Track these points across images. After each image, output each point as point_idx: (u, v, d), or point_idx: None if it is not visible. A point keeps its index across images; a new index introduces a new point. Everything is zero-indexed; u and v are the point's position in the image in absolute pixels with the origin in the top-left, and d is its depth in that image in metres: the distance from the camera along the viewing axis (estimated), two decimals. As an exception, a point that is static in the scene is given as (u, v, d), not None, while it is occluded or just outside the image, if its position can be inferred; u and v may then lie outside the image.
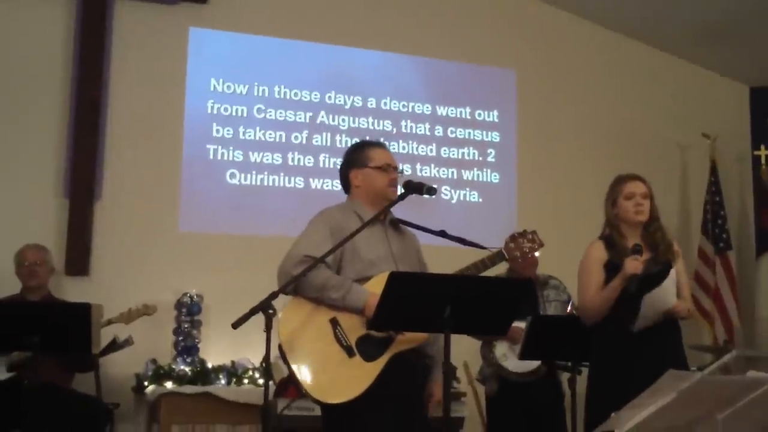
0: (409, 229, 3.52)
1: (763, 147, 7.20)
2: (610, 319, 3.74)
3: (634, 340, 3.67)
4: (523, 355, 4.36)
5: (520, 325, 4.32)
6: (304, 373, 3.14)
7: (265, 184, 6.11)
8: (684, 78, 7.34)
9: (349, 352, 3.16)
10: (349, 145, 3.66)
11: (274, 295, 3.07)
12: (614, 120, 7.03)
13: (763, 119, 7.47)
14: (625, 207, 3.88)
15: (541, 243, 3.54)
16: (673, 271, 3.72)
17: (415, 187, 3.34)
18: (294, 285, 3.18)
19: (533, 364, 4.85)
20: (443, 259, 3.53)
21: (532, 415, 4.93)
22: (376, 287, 3.10)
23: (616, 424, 2.32)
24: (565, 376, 4.75)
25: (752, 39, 6.84)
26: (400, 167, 3.50)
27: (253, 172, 6.10)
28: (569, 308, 5.02)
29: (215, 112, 6.07)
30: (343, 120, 6.35)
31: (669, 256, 3.86)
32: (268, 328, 3.04)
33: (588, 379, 3.84)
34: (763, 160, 7.14)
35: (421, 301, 3.03)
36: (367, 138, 3.65)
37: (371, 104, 6.45)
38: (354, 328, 3.19)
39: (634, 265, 3.69)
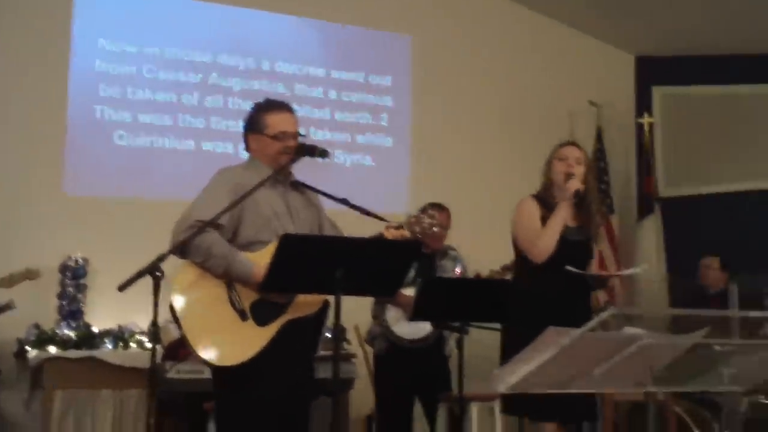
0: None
1: (646, 115, 7.45)
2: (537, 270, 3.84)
3: (552, 298, 3.78)
4: (414, 317, 4.42)
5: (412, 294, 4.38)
6: (195, 336, 3.12)
7: (155, 146, 5.99)
8: (572, 46, 7.50)
9: (242, 316, 3.15)
10: (241, 107, 3.62)
11: (161, 258, 3.03)
12: (505, 86, 7.15)
13: (648, 88, 7.71)
14: (557, 169, 3.96)
15: (440, 219, 3.58)
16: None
17: (308, 150, 3.34)
18: (182, 250, 3.15)
19: (423, 331, 4.95)
20: (342, 226, 3.55)
21: (417, 376, 5.03)
22: (266, 257, 3.09)
23: (499, 380, 2.39)
24: (453, 339, 4.86)
25: (638, 8, 7.03)
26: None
27: (142, 134, 5.96)
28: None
29: (103, 71, 5.90)
30: (236, 82, 6.26)
31: (594, 232, 3.99)
32: (156, 291, 3.00)
33: (502, 335, 3.94)
34: (646, 128, 7.38)
35: (312, 263, 3.04)
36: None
37: (265, 67, 6.38)
38: (249, 291, 3.18)
39: (574, 183, 3.82)
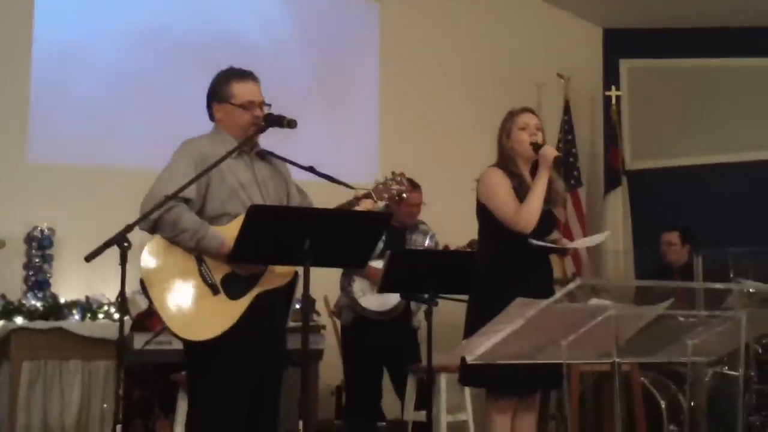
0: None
1: (613, 88, 7.48)
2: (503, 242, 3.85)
3: (515, 270, 3.81)
4: (383, 288, 4.44)
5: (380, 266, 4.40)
6: (166, 309, 3.10)
7: (120, 114, 5.91)
8: (540, 18, 7.50)
9: (214, 290, 3.14)
10: (206, 76, 3.57)
11: (128, 229, 3.01)
12: (474, 58, 7.14)
13: (615, 60, 7.74)
14: (519, 138, 3.90)
15: (408, 186, 3.58)
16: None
17: (275, 120, 3.31)
18: (151, 225, 3.13)
19: (389, 304, 4.97)
20: (310, 195, 3.54)
21: (385, 348, 5.07)
22: (235, 229, 3.07)
23: (466, 350, 2.41)
24: (422, 311, 4.88)
25: (606, -19, 7.05)
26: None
27: (108, 103, 5.88)
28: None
29: (66, 39, 5.80)
30: (201, 50, 6.13)
31: (556, 198, 3.98)
32: (123, 261, 2.98)
33: (469, 304, 3.95)
34: (613, 101, 7.41)
35: (280, 234, 3.03)
36: (233, 66, 3.51)
37: (229, 34, 6.28)
38: (219, 265, 3.16)
39: (551, 150, 3.82)
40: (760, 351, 5.21)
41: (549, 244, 3.85)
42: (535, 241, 3.80)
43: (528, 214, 3.81)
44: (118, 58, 5.97)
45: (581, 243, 4.24)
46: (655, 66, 7.67)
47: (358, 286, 5.03)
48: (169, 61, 6.10)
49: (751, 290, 2.93)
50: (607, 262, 7.22)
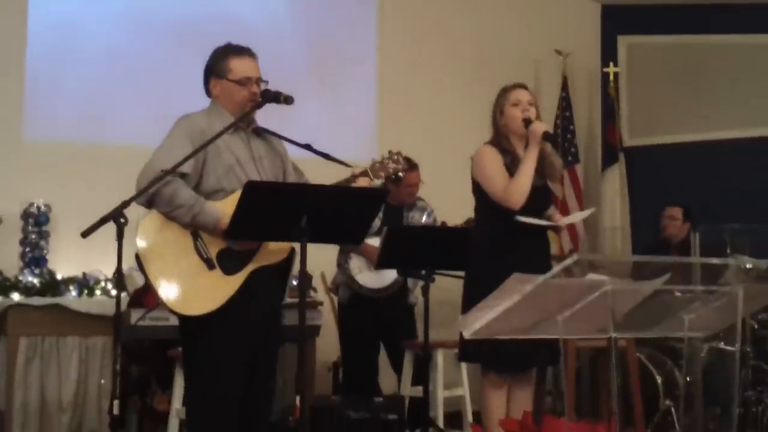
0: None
1: (611, 64, 7.46)
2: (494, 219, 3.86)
3: (511, 246, 3.80)
4: (380, 265, 4.44)
5: (377, 244, 4.40)
6: (161, 284, 3.11)
7: (118, 91, 5.88)
8: (539, -6, 7.47)
9: (209, 265, 3.14)
10: (203, 52, 3.55)
11: (125, 204, 3.01)
12: (472, 34, 7.10)
13: (613, 37, 7.71)
14: (512, 114, 3.91)
15: (405, 165, 3.58)
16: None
17: (273, 97, 3.30)
18: (148, 199, 3.12)
19: (386, 281, 4.99)
20: (307, 173, 3.53)
21: (382, 324, 5.08)
22: (231, 205, 3.07)
23: (463, 325, 2.41)
24: (419, 287, 4.89)
25: (605, -43, 7.01)
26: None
27: (105, 79, 5.85)
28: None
29: (63, 16, 5.76)
30: (198, 27, 6.09)
31: (551, 172, 3.98)
32: (120, 237, 2.98)
33: (465, 281, 3.97)
34: (611, 77, 7.39)
35: (277, 211, 3.03)
36: (231, 42, 3.50)
37: (228, 11, 6.25)
38: (215, 240, 3.16)
39: (541, 125, 3.80)
40: (756, 326, 5.24)
41: (535, 221, 3.84)
42: (521, 218, 3.80)
43: (516, 190, 3.81)
44: (115, 37, 5.93)
45: (567, 219, 4.24)
46: (654, 42, 7.65)
47: (355, 263, 5.04)
48: (165, 40, 6.06)
49: (747, 266, 2.93)
50: (604, 238, 7.23)
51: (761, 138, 7.06)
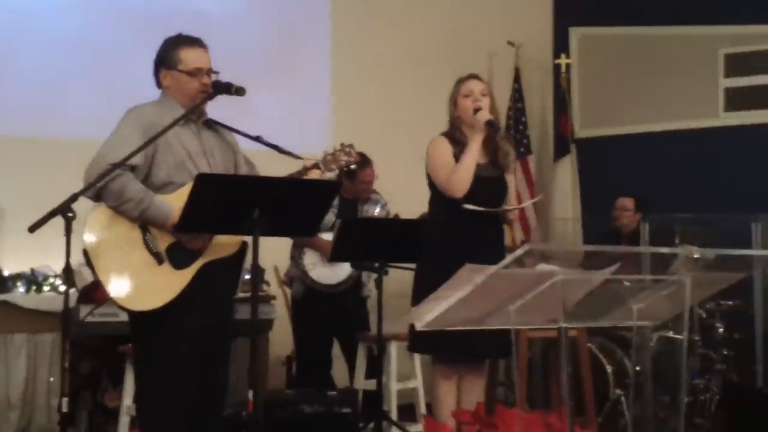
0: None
1: (563, 56, 7.51)
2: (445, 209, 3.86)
3: (463, 237, 3.82)
4: (333, 257, 4.43)
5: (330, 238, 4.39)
6: (110, 280, 3.08)
7: (65, 83, 5.78)
8: (492, -15, 7.49)
9: (159, 259, 3.11)
10: (154, 42, 3.51)
11: (72, 199, 2.96)
12: (425, 26, 7.11)
13: (565, 29, 7.77)
14: (464, 105, 3.95)
15: (357, 157, 3.58)
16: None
17: (224, 88, 3.27)
18: (96, 193, 3.08)
19: (340, 276, 4.98)
20: (258, 165, 3.52)
21: (335, 318, 5.08)
22: (182, 199, 3.03)
23: (415, 317, 2.41)
24: (372, 280, 4.89)
25: (556, -51, 7.06)
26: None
27: (53, 71, 5.75)
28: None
29: (10, 6, 5.65)
30: (149, 17, 6.03)
31: (505, 163, 4.00)
32: (68, 232, 2.94)
33: (416, 272, 3.98)
34: (563, 69, 7.45)
35: (229, 203, 3.01)
36: (182, 33, 3.46)
37: (179, 2, 6.19)
38: (164, 235, 3.13)
39: (484, 114, 3.83)
40: (704, 315, 5.33)
41: (479, 208, 3.85)
42: (468, 206, 3.82)
43: (458, 178, 3.84)
44: (66, 27, 5.81)
45: (512, 207, 4.27)
46: (605, 34, 7.72)
47: (309, 258, 5.02)
48: (118, 30, 5.97)
49: (695, 255, 2.96)
50: (556, 228, 7.29)
51: (708, 129, 7.18)
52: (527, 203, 5.03)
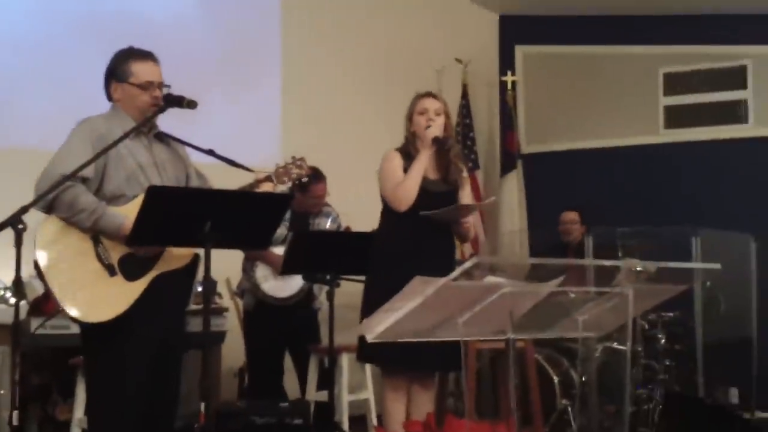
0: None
1: (509, 73, 7.65)
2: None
3: (413, 249, 3.88)
4: (284, 270, 4.45)
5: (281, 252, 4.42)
6: (61, 292, 3.06)
7: (16, 93, 5.70)
8: (439, 3, 7.59)
9: (111, 271, 3.11)
10: (106, 54, 3.50)
11: (23, 210, 2.94)
12: (374, 42, 7.18)
13: (511, 46, 7.91)
14: (417, 122, 4.02)
15: (309, 171, 3.61)
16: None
17: (174, 101, 3.27)
18: (47, 204, 3.07)
19: (291, 289, 5.00)
20: (210, 178, 3.54)
21: (287, 330, 5.10)
22: (134, 210, 3.05)
23: (366, 328, 2.45)
24: (324, 292, 4.92)
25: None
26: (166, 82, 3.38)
27: (4, 78, 5.68)
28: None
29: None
30: (101, 27, 5.96)
31: (457, 179, 4.07)
32: (18, 244, 2.91)
33: (366, 283, 4.04)
34: (509, 86, 7.59)
35: (180, 216, 3.02)
36: (134, 46, 3.47)
37: (129, 10, 6.15)
38: (116, 246, 3.13)
39: (432, 130, 3.92)
40: (646, 326, 5.45)
41: (438, 211, 3.92)
42: (424, 212, 3.89)
43: (403, 191, 3.92)
44: (15, 32, 5.72)
45: (470, 204, 4.32)
46: (550, 52, 7.88)
47: (261, 272, 5.04)
48: (68, 37, 5.88)
49: (638, 268, 3.05)
50: (503, 241, 7.40)
51: (649, 145, 7.36)
52: (485, 202, 5.12)
